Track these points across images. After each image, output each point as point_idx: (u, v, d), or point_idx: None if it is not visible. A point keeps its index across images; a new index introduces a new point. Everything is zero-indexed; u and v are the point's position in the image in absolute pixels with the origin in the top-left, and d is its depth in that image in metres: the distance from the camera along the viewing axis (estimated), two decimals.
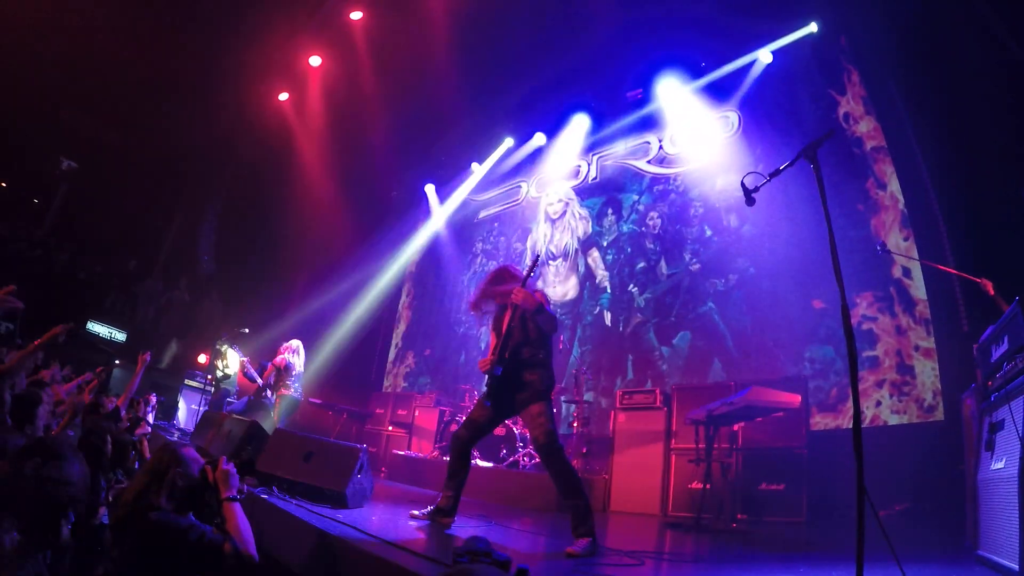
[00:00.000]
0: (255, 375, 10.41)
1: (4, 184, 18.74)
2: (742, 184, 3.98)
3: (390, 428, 11.96)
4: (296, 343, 10.55)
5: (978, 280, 6.04)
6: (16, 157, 18.14)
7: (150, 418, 10.61)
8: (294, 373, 10.17)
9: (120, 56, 14.65)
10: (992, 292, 5.85)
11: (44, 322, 4.90)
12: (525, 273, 5.29)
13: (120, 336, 19.28)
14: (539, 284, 12.73)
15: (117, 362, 17.85)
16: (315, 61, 13.39)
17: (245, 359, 10.83)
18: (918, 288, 8.10)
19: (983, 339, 4.83)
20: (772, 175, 3.87)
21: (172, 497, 3.22)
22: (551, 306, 5.35)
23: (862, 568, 2.77)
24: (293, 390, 10.09)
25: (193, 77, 14.78)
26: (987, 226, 7.30)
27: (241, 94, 14.56)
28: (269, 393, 10.12)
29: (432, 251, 16.09)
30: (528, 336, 5.18)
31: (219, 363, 12.73)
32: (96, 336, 18.61)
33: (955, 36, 7.98)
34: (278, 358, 10.20)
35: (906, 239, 8.38)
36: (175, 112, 16.23)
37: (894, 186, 8.70)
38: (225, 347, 12.54)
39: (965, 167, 7.74)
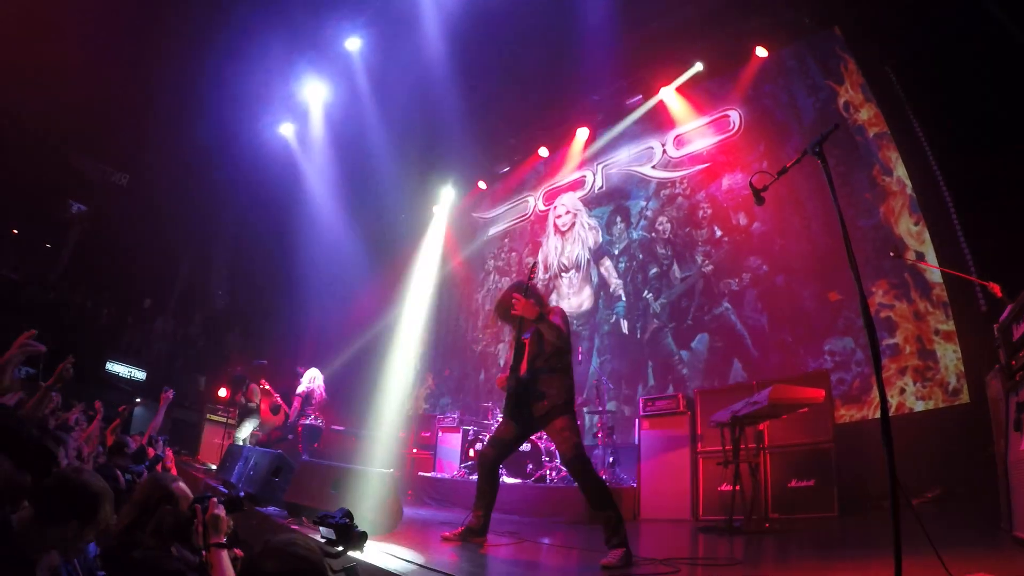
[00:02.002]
0: (284, 407, 10.46)
1: (16, 231, 18.89)
2: (750, 184, 3.97)
3: (414, 451, 11.96)
4: (314, 371, 10.59)
5: (986, 284, 6.04)
6: (26, 203, 18.30)
7: (172, 469, 10.67)
8: (314, 402, 10.20)
9: (122, 96, 14.80)
10: (1000, 294, 5.82)
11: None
12: (525, 283, 5.31)
13: (140, 375, 19.36)
14: (553, 297, 12.76)
15: (138, 400, 17.92)
16: (315, 90, 13.50)
17: (276, 395, 10.87)
18: (933, 272, 8.05)
19: (1003, 318, 4.80)
20: (780, 173, 3.86)
21: (158, 533, 3.19)
22: (564, 319, 5.30)
23: (900, 560, 2.75)
24: (314, 419, 10.12)
25: (195, 114, 14.89)
26: (998, 204, 7.25)
27: (244, 128, 14.65)
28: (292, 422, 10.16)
29: (444, 271, 16.13)
30: (542, 349, 5.14)
31: (243, 398, 12.77)
32: (116, 376, 18.69)
33: (947, 15, 7.95)
34: (300, 388, 10.24)
35: (916, 224, 8.35)
36: (180, 149, 16.36)
37: (900, 171, 8.67)
38: (248, 382, 12.57)
39: (970, 146, 7.70)
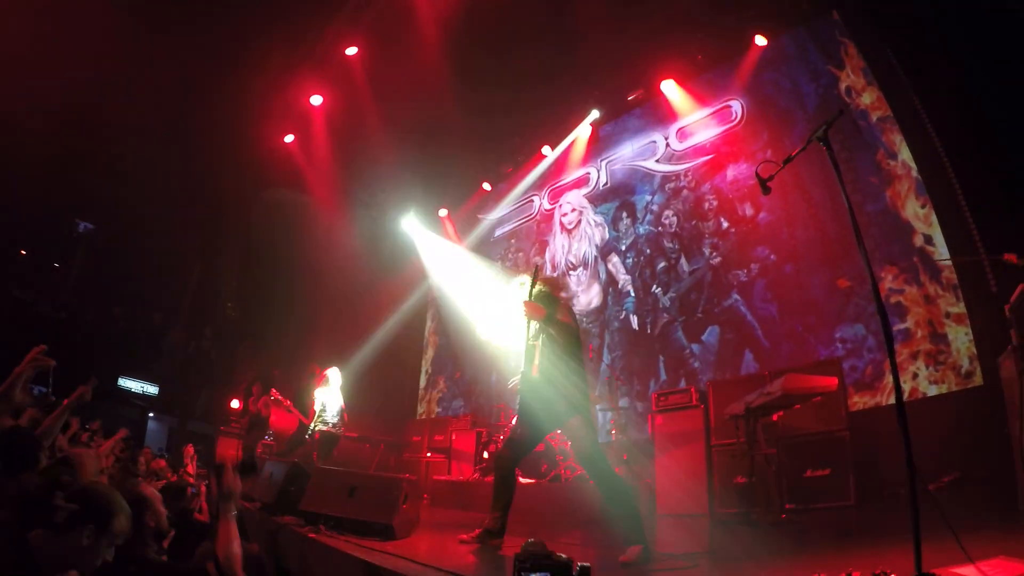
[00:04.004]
0: (300, 416, 10.43)
1: (24, 252, 18.99)
2: (756, 174, 3.96)
3: (428, 455, 11.94)
4: (332, 374, 10.48)
5: (1001, 257, 5.92)
6: (33, 224, 18.38)
7: (191, 468, 10.71)
8: (331, 408, 10.17)
9: (125, 113, 14.83)
10: (1017, 261, 5.69)
11: (76, 382, 4.95)
12: (529, 286, 5.29)
13: (152, 389, 19.44)
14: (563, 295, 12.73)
15: (152, 415, 18.00)
16: (316, 100, 13.50)
17: (288, 402, 10.83)
18: (941, 255, 8.00)
19: (1014, 299, 4.77)
20: (785, 162, 3.84)
21: (154, 540, 3.23)
22: (572, 314, 5.29)
23: (919, 546, 2.74)
24: (331, 426, 10.09)
25: (197, 128, 14.92)
26: (1004, 182, 7.20)
27: (246, 141, 14.66)
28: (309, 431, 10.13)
29: (452, 274, 16.13)
30: (552, 350, 5.14)
31: (263, 407, 12.74)
32: (129, 391, 18.75)
33: None
34: (317, 403, 10.20)
35: (923, 206, 8.29)
36: (183, 164, 16.40)
37: (905, 154, 8.61)
38: (264, 392, 12.56)
39: (974, 125, 7.64)
